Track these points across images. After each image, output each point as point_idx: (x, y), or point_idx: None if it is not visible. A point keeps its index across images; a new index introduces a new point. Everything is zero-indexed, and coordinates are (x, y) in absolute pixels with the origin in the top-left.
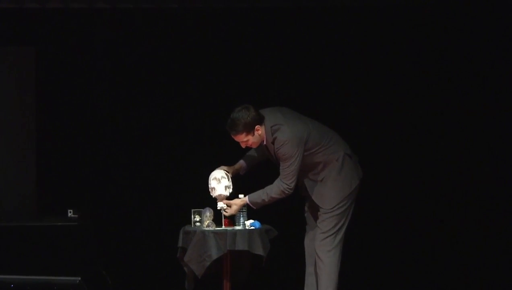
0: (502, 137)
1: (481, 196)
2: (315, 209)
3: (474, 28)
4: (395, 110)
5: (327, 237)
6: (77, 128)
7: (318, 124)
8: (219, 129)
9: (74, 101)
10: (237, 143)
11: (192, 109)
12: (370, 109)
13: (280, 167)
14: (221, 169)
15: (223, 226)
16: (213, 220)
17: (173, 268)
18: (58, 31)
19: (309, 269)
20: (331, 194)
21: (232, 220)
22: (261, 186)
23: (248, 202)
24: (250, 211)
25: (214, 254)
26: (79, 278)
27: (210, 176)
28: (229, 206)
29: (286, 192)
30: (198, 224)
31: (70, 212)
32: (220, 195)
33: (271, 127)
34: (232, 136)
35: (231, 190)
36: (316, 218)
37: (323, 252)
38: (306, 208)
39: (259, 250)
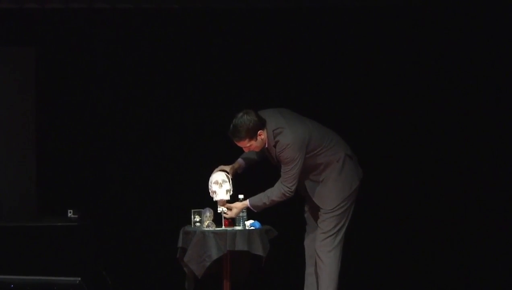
0: (502, 137)
1: (481, 196)
2: (315, 209)
3: (474, 28)
4: (395, 110)
5: (327, 237)
6: (77, 128)
7: (319, 125)
8: (219, 129)
9: (74, 101)
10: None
11: (192, 109)
12: (370, 110)
13: (282, 170)
14: (221, 170)
15: (223, 227)
16: (213, 220)
17: (173, 268)
18: (58, 31)
19: (309, 269)
20: (331, 195)
21: (232, 220)
22: (261, 186)
23: (249, 205)
24: (250, 211)
25: (214, 254)
26: (79, 279)
27: (211, 179)
28: (229, 209)
29: (287, 195)
30: (198, 224)
31: (70, 212)
32: (221, 200)
33: (273, 130)
34: (235, 142)
35: (231, 193)
36: (316, 218)
37: (323, 252)
38: (306, 208)
39: (259, 251)
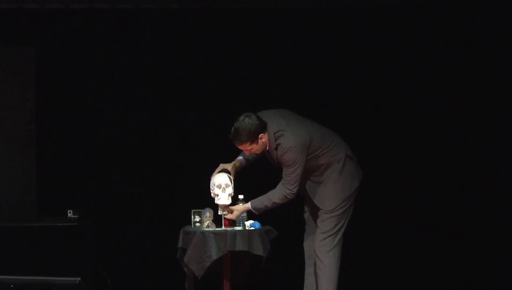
0: (502, 137)
1: (481, 196)
2: (314, 210)
3: (474, 28)
4: (394, 111)
5: (326, 237)
6: (77, 128)
7: (319, 126)
8: (219, 129)
9: (74, 101)
10: None
11: (193, 109)
12: (370, 110)
13: (283, 173)
14: (223, 170)
15: (223, 227)
16: (213, 220)
17: (173, 269)
18: (58, 32)
19: (308, 270)
20: (331, 196)
21: (233, 220)
22: (261, 186)
23: (250, 207)
24: (250, 212)
25: (214, 254)
26: (79, 279)
27: (214, 181)
28: (230, 211)
29: (289, 197)
30: (198, 224)
31: (70, 213)
32: (223, 204)
33: (274, 133)
34: (236, 145)
35: (232, 195)
36: (315, 218)
37: (322, 252)
38: (305, 209)
39: (259, 251)
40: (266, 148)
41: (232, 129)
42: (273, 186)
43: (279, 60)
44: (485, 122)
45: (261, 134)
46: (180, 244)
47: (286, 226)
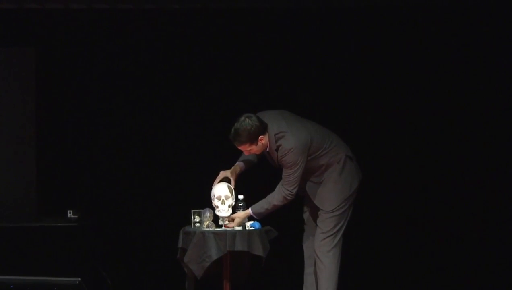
0: (502, 137)
1: (481, 196)
2: (314, 210)
3: (473, 28)
4: (394, 111)
5: (326, 237)
6: (77, 128)
7: (319, 127)
8: (219, 129)
9: (74, 102)
10: None
11: (193, 109)
12: (369, 110)
13: (283, 174)
14: (224, 178)
15: (223, 227)
16: (213, 220)
17: (173, 269)
18: (58, 32)
19: (307, 269)
20: (331, 196)
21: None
22: (261, 186)
23: (251, 213)
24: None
25: (214, 254)
26: (79, 279)
27: (214, 192)
28: (231, 220)
29: (288, 198)
30: (198, 224)
31: (70, 213)
32: (223, 217)
33: (274, 134)
34: (236, 146)
35: (233, 204)
36: (315, 218)
37: (322, 252)
38: (305, 208)
39: (258, 251)
40: (266, 149)
41: (232, 129)
42: (273, 187)
43: (279, 60)
44: (485, 122)
45: (261, 136)
46: (180, 244)
47: (285, 226)
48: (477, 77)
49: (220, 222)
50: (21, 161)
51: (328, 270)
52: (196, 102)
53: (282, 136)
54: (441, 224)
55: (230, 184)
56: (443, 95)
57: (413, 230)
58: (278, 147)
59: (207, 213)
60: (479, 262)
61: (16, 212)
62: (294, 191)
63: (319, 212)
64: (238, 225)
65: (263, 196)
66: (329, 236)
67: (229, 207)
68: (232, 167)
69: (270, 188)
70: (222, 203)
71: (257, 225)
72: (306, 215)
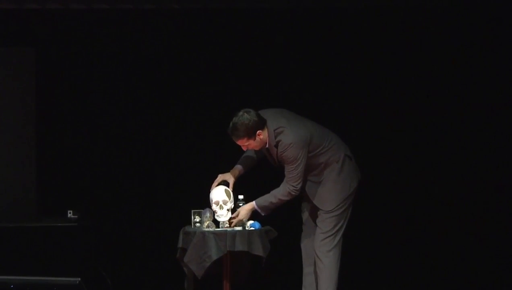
0: (501, 138)
1: (481, 196)
2: (313, 209)
3: (473, 29)
4: (393, 111)
5: (326, 237)
6: (77, 128)
7: (318, 126)
8: (219, 129)
9: (74, 102)
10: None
11: (193, 109)
12: (369, 110)
13: (286, 170)
14: (222, 181)
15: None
16: (213, 220)
17: (173, 269)
18: (58, 32)
19: (306, 269)
20: (330, 196)
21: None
22: (261, 187)
23: (255, 206)
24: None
25: (214, 254)
26: (79, 279)
27: (212, 197)
28: (235, 217)
29: (293, 193)
30: (198, 224)
31: (70, 213)
32: (222, 222)
33: (274, 130)
34: (233, 140)
35: (232, 207)
36: (313, 218)
37: (322, 252)
38: (303, 208)
39: (259, 251)
40: (265, 145)
41: (230, 124)
42: (273, 187)
43: (279, 60)
44: (485, 122)
45: (259, 131)
46: (180, 244)
47: (285, 226)
48: (477, 77)
49: (221, 224)
50: (21, 161)
51: (328, 270)
52: (196, 102)
53: (281, 131)
54: (440, 224)
55: (228, 187)
56: (443, 95)
57: (413, 230)
58: (277, 143)
59: (207, 213)
60: (479, 262)
61: (16, 212)
62: (299, 186)
63: (318, 212)
64: (244, 218)
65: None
66: (329, 236)
67: (228, 211)
68: (231, 170)
69: (270, 189)
70: (220, 208)
71: (257, 225)
72: (305, 215)
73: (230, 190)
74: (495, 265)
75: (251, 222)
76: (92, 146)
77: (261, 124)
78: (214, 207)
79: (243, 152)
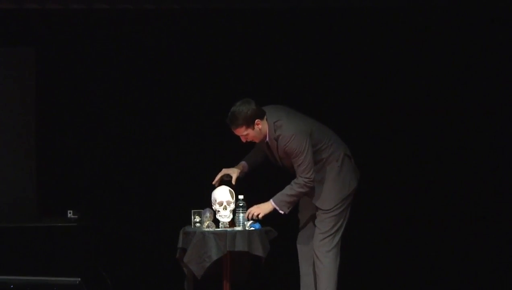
0: (501, 138)
1: (480, 197)
2: (310, 209)
3: (473, 28)
4: (393, 111)
5: (325, 237)
6: (77, 128)
7: (318, 123)
8: (219, 129)
9: (74, 102)
10: (237, 143)
11: (192, 109)
12: (368, 110)
13: (295, 166)
14: (224, 184)
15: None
16: (213, 220)
17: (173, 269)
18: (58, 32)
19: (304, 269)
20: (330, 195)
21: (233, 221)
22: (261, 188)
23: (273, 204)
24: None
25: (214, 255)
26: (79, 279)
27: (215, 196)
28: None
29: (309, 185)
30: (198, 224)
31: (70, 213)
32: (223, 222)
33: (274, 122)
34: (232, 130)
35: (234, 208)
36: (310, 218)
37: (322, 252)
38: (300, 208)
39: (258, 251)
40: (265, 138)
41: (229, 112)
42: (274, 188)
43: (279, 60)
44: (485, 122)
45: (257, 120)
46: (180, 244)
47: (285, 226)
48: (477, 77)
49: (221, 225)
50: (21, 161)
51: (328, 270)
52: (196, 102)
53: (281, 124)
54: (440, 224)
55: (231, 181)
56: (443, 95)
57: (413, 230)
58: (278, 137)
59: (207, 213)
60: (479, 262)
61: (16, 212)
62: (312, 176)
63: (317, 212)
64: (269, 211)
65: (263, 196)
66: (328, 236)
67: (230, 213)
68: (236, 166)
69: (270, 189)
70: (224, 209)
71: (257, 225)
72: (302, 215)
73: (232, 190)
74: (495, 265)
75: (251, 222)
76: (92, 146)
77: (260, 114)
78: (217, 207)
79: (244, 151)
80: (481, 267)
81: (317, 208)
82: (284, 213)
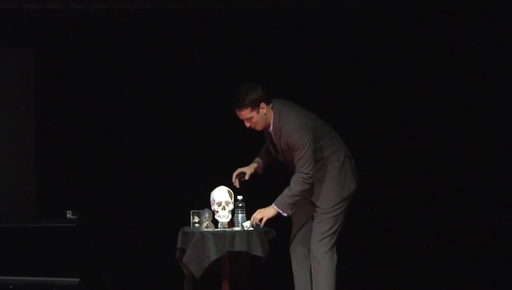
0: (501, 137)
1: (480, 197)
2: (305, 210)
3: (473, 29)
4: (393, 111)
5: (324, 238)
6: (76, 129)
7: (323, 121)
8: (219, 129)
9: (73, 102)
10: (238, 143)
11: (192, 109)
12: (368, 110)
13: (295, 159)
14: (223, 185)
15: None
16: (212, 221)
17: (172, 269)
18: (58, 32)
19: (298, 272)
20: (329, 195)
21: (231, 221)
22: (261, 188)
23: (276, 208)
24: (249, 212)
25: (213, 255)
26: (78, 279)
27: (214, 197)
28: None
29: (306, 181)
30: (197, 225)
31: (69, 213)
32: (222, 222)
33: (279, 113)
34: (237, 112)
35: (232, 208)
36: (305, 218)
37: (320, 253)
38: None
39: (258, 251)
40: (269, 127)
41: (234, 94)
42: (274, 188)
43: (279, 61)
44: (485, 122)
45: (263, 103)
46: (179, 245)
47: (284, 226)
48: (477, 77)
49: (219, 225)
50: (21, 162)
51: (325, 270)
52: (195, 102)
53: (286, 116)
54: (440, 224)
55: (245, 177)
56: (443, 95)
57: (412, 230)
58: (282, 128)
59: (206, 214)
60: (479, 262)
61: (15, 213)
62: (311, 172)
63: (315, 213)
64: (273, 215)
65: (263, 196)
66: (327, 236)
67: (229, 213)
68: (251, 163)
69: (269, 189)
70: (222, 209)
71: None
72: (296, 216)
73: (231, 191)
74: (495, 265)
75: (248, 222)
76: (91, 147)
77: (266, 99)
78: (215, 207)
79: (244, 151)
80: (481, 267)
81: (314, 209)
82: (288, 216)
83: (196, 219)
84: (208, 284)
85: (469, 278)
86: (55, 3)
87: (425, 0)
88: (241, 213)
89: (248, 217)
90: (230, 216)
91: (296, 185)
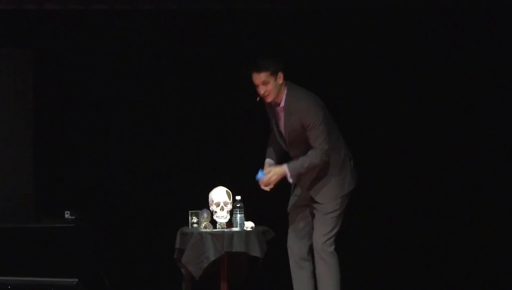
0: (501, 138)
1: (479, 198)
2: (302, 210)
3: (473, 29)
4: (392, 111)
5: (329, 238)
6: (75, 129)
7: (329, 114)
8: (218, 130)
9: (71, 103)
10: (237, 143)
11: (191, 110)
12: (368, 110)
13: (311, 139)
14: (221, 186)
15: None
16: (211, 221)
17: (171, 270)
18: (56, 33)
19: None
20: (329, 191)
21: (230, 221)
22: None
23: (287, 169)
24: (248, 212)
25: (212, 255)
26: (76, 280)
27: (212, 197)
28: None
29: (324, 158)
30: (195, 225)
31: (67, 214)
32: (221, 223)
33: (292, 91)
34: (254, 76)
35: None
36: (300, 217)
37: (326, 253)
38: (291, 207)
39: (256, 252)
40: (278, 105)
41: (256, 59)
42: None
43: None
44: (485, 122)
45: (281, 73)
46: (177, 245)
47: (283, 227)
48: (477, 77)
49: (218, 225)
50: (19, 162)
51: (333, 270)
52: (194, 102)
53: (298, 94)
54: (440, 224)
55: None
56: (443, 95)
57: (412, 231)
58: (295, 106)
59: (205, 214)
60: (479, 262)
61: (13, 213)
62: (328, 151)
63: (317, 214)
64: (276, 181)
65: (262, 196)
66: (332, 236)
67: (227, 213)
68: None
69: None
70: (221, 209)
71: (262, 174)
72: (291, 215)
73: (229, 191)
74: (495, 265)
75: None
76: (90, 147)
77: (284, 71)
78: (214, 207)
79: (244, 151)
80: (481, 267)
81: (312, 208)
82: (290, 183)
83: (195, 220)
84: (206, 284)
85: (469, 278)
86: (53, 4)
87: (425, 0)
88: (239, 213)
89: (247, 218)
90: (228, 217)
91: (314, 158)
